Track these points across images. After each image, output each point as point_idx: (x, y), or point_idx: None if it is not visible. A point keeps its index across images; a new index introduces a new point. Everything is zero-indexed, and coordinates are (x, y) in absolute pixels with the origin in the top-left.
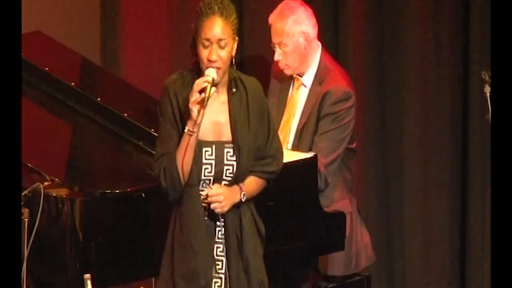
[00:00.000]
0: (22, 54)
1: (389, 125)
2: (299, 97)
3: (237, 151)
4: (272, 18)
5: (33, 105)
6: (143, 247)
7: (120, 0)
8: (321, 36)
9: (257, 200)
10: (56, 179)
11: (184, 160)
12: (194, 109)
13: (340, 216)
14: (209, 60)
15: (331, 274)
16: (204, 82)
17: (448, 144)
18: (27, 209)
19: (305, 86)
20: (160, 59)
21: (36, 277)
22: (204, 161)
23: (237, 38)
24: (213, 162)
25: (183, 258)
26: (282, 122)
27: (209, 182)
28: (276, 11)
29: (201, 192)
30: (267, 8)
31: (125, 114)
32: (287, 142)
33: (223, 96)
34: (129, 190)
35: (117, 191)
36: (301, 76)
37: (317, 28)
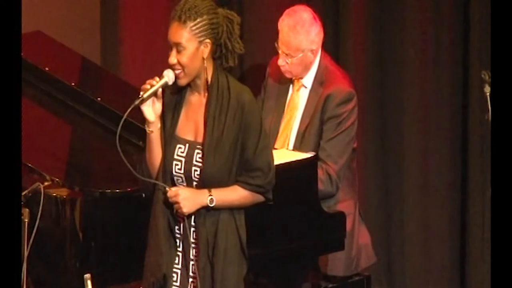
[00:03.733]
0: (22, 54)
1: (389, 125)
2: (299, 99)
3: (203, 154)
4: (283, 28)
5: (33, 105)
6: (143, 247)
7: (120, 0)
8: None
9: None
10: (56, 179)
11: (148, 156)
12: (142, 109)
13: (340, 216)
14: (169, 63)
15: (332, 275)
16: (147, 84)
17: (448, 144)
18: (27, 209)
19: (305, 87)
20: (160, 59)
21: (36, 277)
22: (175, 157)
23: (208, 41)
24: (183, 160)
25: (147, 251)
26: (283, 124)
27: (182, 180)
28: (289, 22)
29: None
30: (267, 10)
31: None
32: (288, 144)
33: (205, 98)
34: (129, 190)
35: (117, 191)
36: (301, 78)
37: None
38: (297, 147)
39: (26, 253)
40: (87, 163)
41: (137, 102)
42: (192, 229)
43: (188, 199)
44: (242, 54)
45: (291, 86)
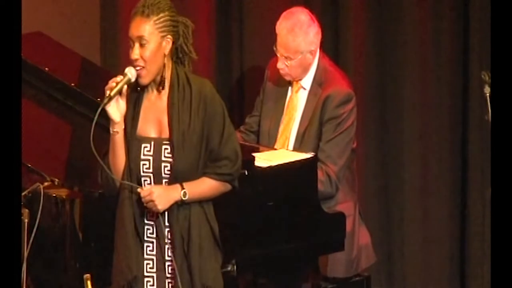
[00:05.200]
0: (22, 54)
1: (389, 125)
2: (298, 100)
3: (173, 149)
4: (281, 30)
5: (33, 105)
6: None
7: (120, 0)
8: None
9: (257, 200)
10: (56, 179)
11: (113, 158)
12: (108, 109)
13: (340, 217)
14: (131, 59)
15: (332, 276)
16: (112, 82)
17: (448, 144)
18: (27, 210)
19: (304, 88)
20: None
21: (36, 277)
22: (142, 157)
23: (169, 37)
24: (151, 158)
25: (115, 254)
26: (282, 126)
27: (150, 180)
28: (286, 24)
29: (139, 191)
30: (267, 11)
31: None
32: (287, 146)
33: (166, 94)
34: None
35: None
36: (300, 80)
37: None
38: (297, 148)
39: (26, 253)
40: (87, 163)
41: (106, 101)
42: (167, 229)
43: (161, 195)
44: (242, 55)
45: (290, 88)
